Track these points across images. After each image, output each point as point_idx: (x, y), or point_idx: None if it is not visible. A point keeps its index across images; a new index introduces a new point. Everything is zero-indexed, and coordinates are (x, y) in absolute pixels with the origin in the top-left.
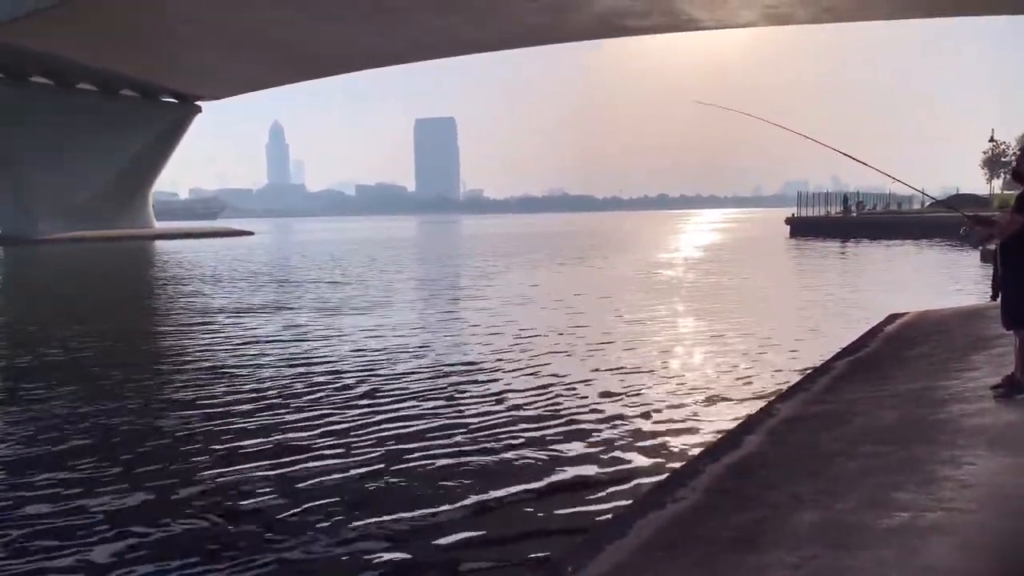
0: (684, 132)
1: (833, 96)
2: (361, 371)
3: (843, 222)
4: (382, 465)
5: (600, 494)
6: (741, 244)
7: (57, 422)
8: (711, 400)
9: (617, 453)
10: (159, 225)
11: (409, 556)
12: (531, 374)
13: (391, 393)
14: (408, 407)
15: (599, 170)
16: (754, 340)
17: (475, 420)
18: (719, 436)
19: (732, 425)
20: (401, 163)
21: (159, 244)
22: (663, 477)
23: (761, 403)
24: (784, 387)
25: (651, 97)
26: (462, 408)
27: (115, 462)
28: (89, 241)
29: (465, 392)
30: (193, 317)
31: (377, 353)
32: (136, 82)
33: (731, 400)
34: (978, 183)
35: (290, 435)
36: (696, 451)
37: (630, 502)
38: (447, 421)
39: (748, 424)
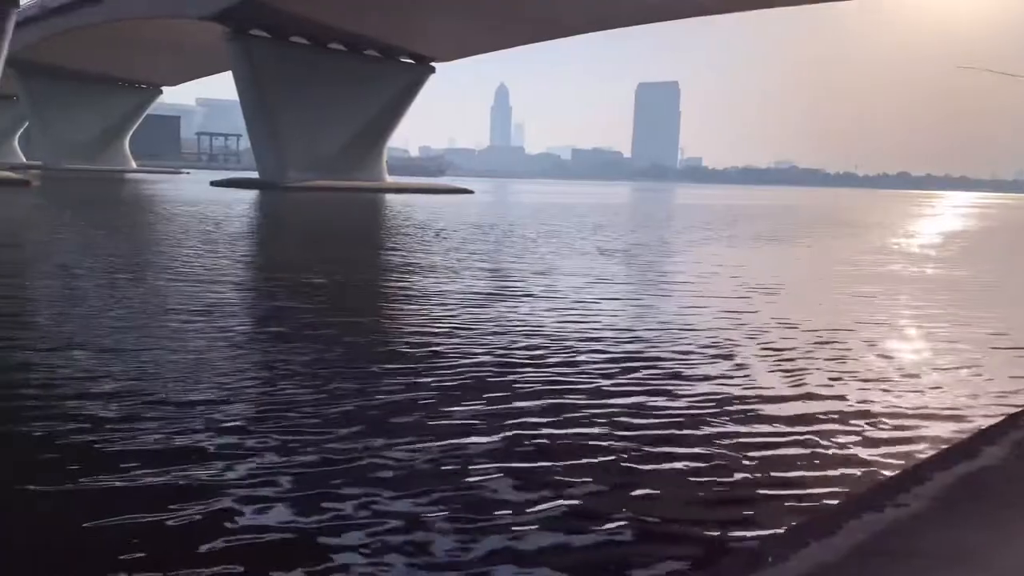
0: (935, 102)
1: None
2: (562, 347)
3: None
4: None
5: (811, 488)
6: (995, 234)
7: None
8: (947, 403)
9: (836, 447)
10: (390, 179)
11: (616, 526)
12: (750, 358)
13: (596, 371)
14: (621, 384)
15: (832, 142)
16: (1005, 342)
17: (692, 401)
18: (953, 443)
19: (970, 433)
20: (619, 128)
21: (388, 197)
22: (884, 479)
23: (1007, 411)
24: None
25: (897, 60)
26: (687, 388)
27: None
28: (328, 190)
29: (687, 374)
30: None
31: (584, 330)
32: (379, 43)
33: (971, 405)
34: None
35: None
36: (925, 456)
37: (843, 500)
38: (659, 401)
39: (989, 433)
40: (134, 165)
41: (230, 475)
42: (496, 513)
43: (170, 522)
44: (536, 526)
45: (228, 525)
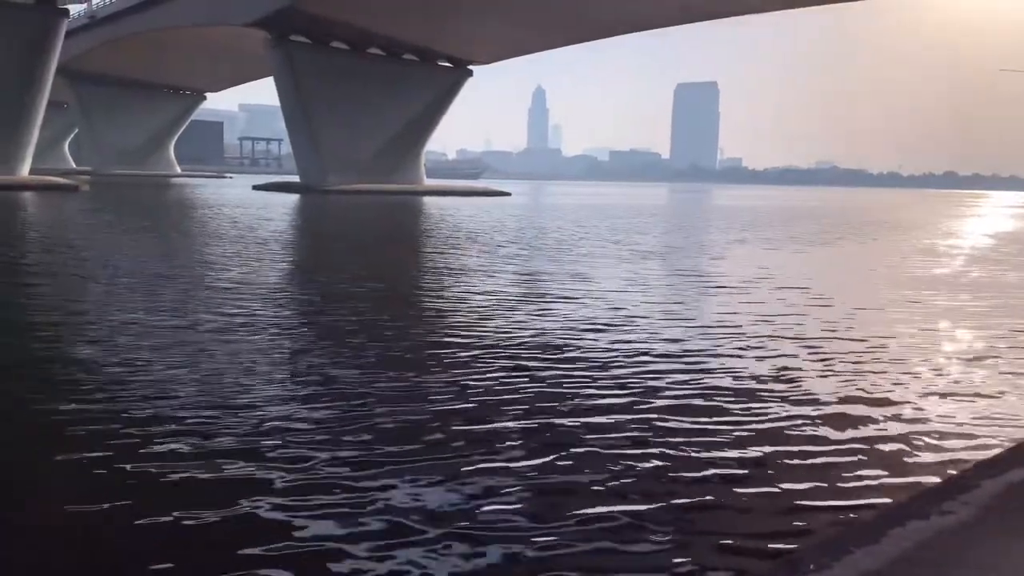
0: (981, 101)
1: None
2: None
3: None
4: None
5: (855, 495)
6: None
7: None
8: (995, 410)
9: (881, 453)
10: (428, 182)
11: (656, 536)
12: (792, 361)
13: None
14: (666, 384)
15: (875, 142)
16: None
17: (741, 407)
18: (1005, 448)
19: (1018, 440)
20: (657, 129)
21: (426, 199)
22: (930, 486)
23: None
24: None
25: (943, 58)
26: (724, 389)
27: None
28: (367, 193)
29: (727, 382)
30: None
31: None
32: (417, 47)
33: (1019, 413)
34: None
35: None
36: (974, 461)
37: (888, 508)
38: (698, 413)
39: None
40: (179, 170)
41: (268, 488)
42: (537, 525)
43: (203, 526)
44: (577, 537)
45: (266, 531)
